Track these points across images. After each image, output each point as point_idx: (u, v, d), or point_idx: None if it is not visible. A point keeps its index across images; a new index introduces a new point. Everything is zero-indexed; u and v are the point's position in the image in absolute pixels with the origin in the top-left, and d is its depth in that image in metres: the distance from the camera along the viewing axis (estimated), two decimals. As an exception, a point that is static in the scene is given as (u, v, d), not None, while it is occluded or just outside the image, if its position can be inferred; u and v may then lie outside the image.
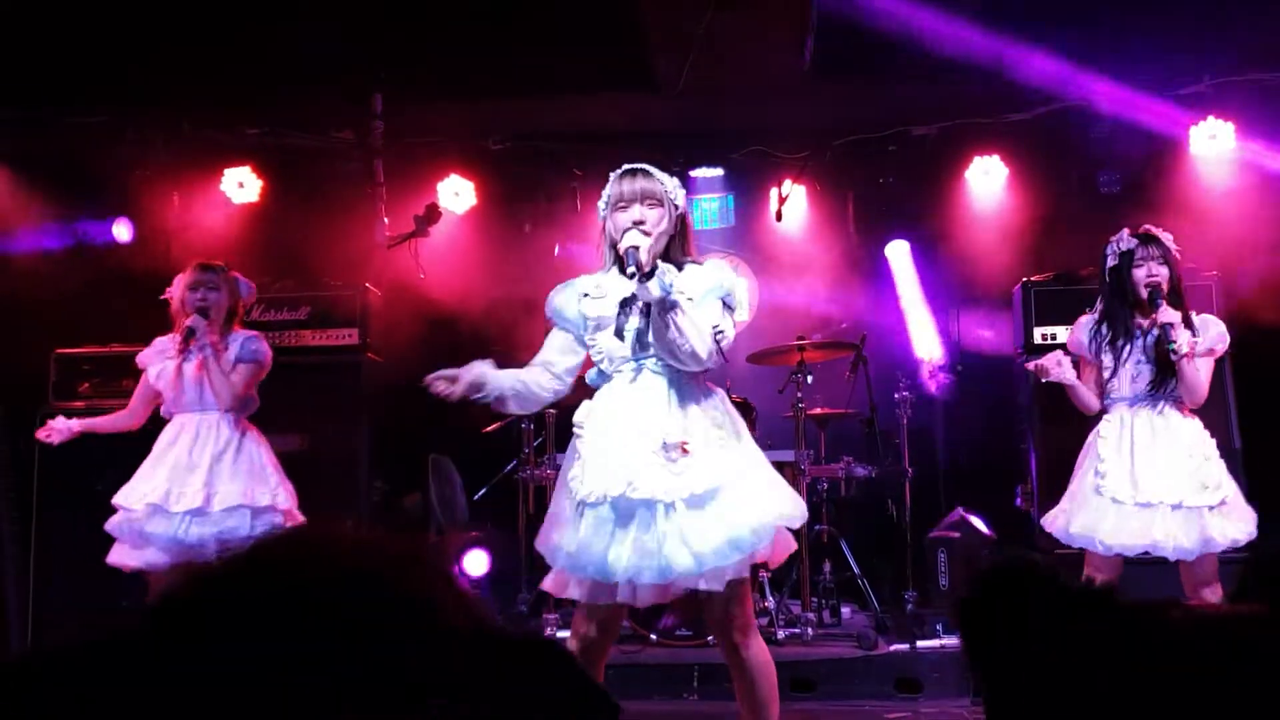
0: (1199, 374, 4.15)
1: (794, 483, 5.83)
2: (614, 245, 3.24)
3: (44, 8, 5.84)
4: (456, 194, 7.21)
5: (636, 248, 3.03)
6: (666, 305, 3.03)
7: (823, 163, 7.23)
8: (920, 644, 5.50)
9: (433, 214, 6.76)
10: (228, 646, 0.82)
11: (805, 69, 6.51)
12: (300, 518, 4.63)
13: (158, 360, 4.61)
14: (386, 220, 7.07)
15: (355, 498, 6.21)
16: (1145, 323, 4.24)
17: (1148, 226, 4.34)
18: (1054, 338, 6.12)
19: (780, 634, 5.56)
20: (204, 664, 0.82)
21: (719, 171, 7.48)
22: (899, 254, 7.31)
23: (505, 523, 6.40)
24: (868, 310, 7.12)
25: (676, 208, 3.27)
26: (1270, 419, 5.57)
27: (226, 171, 7.10)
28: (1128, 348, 4.24)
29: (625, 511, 3.06)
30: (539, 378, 3.35)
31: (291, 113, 6.81)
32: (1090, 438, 4.38)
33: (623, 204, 3.22)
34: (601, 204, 3.32)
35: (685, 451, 3.05)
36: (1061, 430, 5.91)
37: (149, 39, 6.01)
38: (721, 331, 3.14)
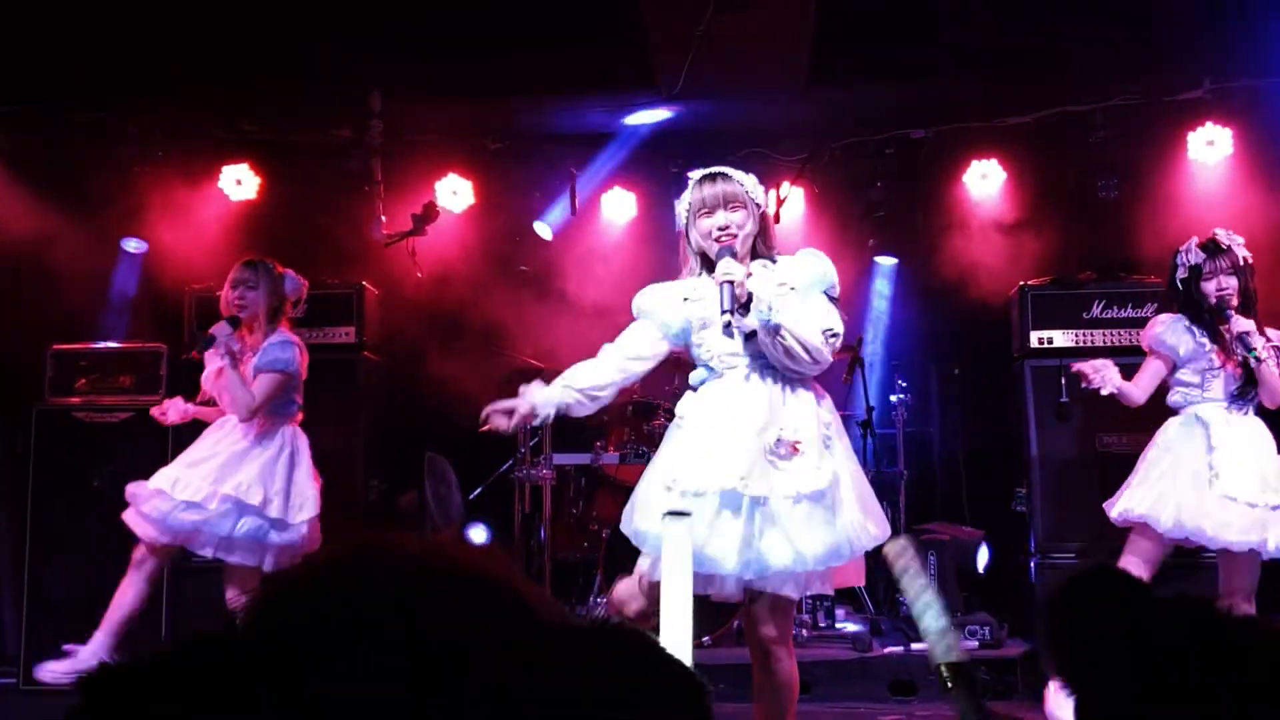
0: (1276, 377, 4.20)
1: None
2: (701, 251, 3.25)
3: (44, 4, 5.84)
4: (454, 193, 7.21)
5: (731, 282, 3.02)
6: (770, 330, 3.04)
7: (821, 165, 7.23)
8: (915, 646, 5.50)
9: (430, 213, 6.75)
10: (324, 659, 0.82)
11: (803, 71, 6.52)
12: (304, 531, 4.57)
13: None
14: (384, 219, 7.06)
15: (352, 496, 6.21)
16: (1224, 331, 4.28)
17: (1216, 234, 4.35)
18: (1051, 341, 6.13)
19: (775, 635, 5.56)
20: (302, 674, 0.82)
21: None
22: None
23: (501, 522, 6.40)
24: (865, 313, 7.12)
25: (759, 206, 3.27)
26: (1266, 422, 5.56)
27: (224, 169, 7.09)
28: (1225, 353, 4.29)
29: (731, 505, 3.04)
30: (602, 374, 3.34)
31: (290, 110, 6.79)
32: (1172, 432, 4.39)
33: (705, 210, 3.22)
34: (682, 209, 3.29)
35: (796, 450, 3.04)
36: (1059, 434, 5.94)
37: (148, 36, 6.01)
38: (834, 332, 3.13)
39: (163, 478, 4.44)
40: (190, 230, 6.93)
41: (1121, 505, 4.39)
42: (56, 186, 6.69)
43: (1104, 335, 5.92)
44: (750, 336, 3.09)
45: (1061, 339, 6.11)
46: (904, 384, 6.36)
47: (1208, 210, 6.33)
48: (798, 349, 3.04)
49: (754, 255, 3.25)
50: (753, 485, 3.01)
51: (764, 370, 3.15)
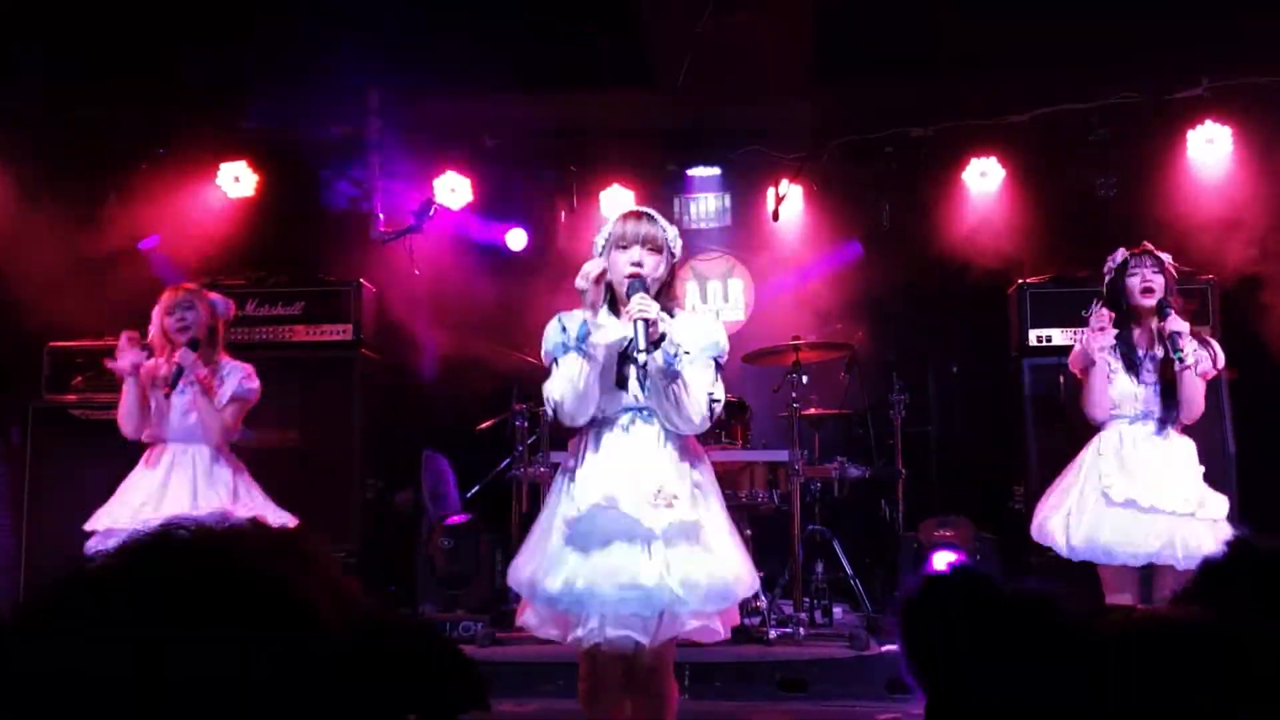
0: (1199, 389, 4.15)
1: (787, 482, 5.85)
2: (610, 284, 3.19)
3: (43, 3, 5.84)
4: (452, 190, 7.19)
5: (648, 321, 2.98)
6: (669, 375, 3.02)
7: (820, 163, 7.22)
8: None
9: (428, 210, 6.74)
10: (97, 636, 0.83)
11: (803, 69, 6.51)
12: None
13: (139, 379, 4.49)
14: (382, 216, 7.06)
15: (348, 493, 6.20)
16: (1148, 335, 4.24)
17: (1145, 243, 4.34)
18: (1049, 339, 6.13)
19: (772, 633, 5.55)
20: (73, 655, 0.82)
21: (716, 170, 7.47)
22: None
23: (498, 521, 6.38)
24: (863, 310, 7.11)
25: (673, 256, 3.25)
26: (1265, 425, 5.57)
27: (223, 166, 7.08)
28: (1137, 360, 4.23)
29: (606, 533, 3.01)
30: None
31: (288, 107, 6.78)
32: (1082, 454, 4.35)
33: (624, 244, 3.17)
34: (600, 239, 3.25)
35: (670, 505, 3.02)
36: (1057, 431, 5.92)
37: (147, 33, 6.00)
38: (716, 400, 3.15)
39: (124, 518, 4.32)
40: (189, 227, 6.93)
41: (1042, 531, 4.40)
42: (55, 183, 6.69)
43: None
44: (643, 368, 3.07)
45: (1060, 337, 6.11)
46: (902, 382, 6.35)
47: (1207, 208, 6.32)
48: (684, 405, 3.04)
49: (659, 304, 3.16)
50: (627, 506, 2.99)
51: (645, 422, 3.13)
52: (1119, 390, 4.24)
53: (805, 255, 7.39)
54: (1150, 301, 4.20)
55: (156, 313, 4.50)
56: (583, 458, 3.16)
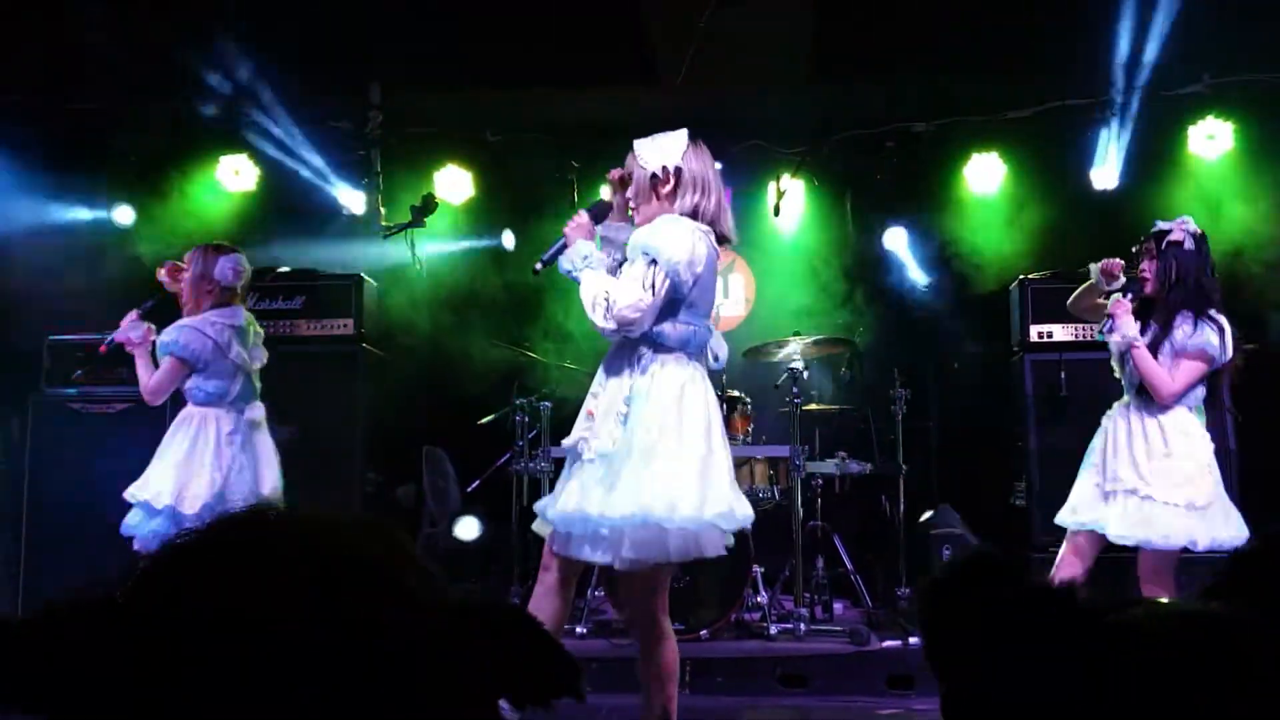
0: (1154, 367, 4.12)
1: (788, 478, 5.84)
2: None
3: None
4: (454, 185, 7.19)
5: (564, 236, 3.36)
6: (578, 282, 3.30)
7: (821, 158, 7.22)
8: (913, 640, 5.49)
9: (430, 205, 6.74)
10: (190, 619, 0.83)
11: (804, 64, 6.51)
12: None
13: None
14: (383, 210, 7.06)
15: (349, 488, 6.20)
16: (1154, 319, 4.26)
17: (1159, 223, 4.32)
18: (1050, 335, 6.13)
19: (773, 629, 5.56)
20: (167, 637, 0.83)
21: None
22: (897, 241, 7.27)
23: (499, 515, 6.39)
24: (864, 306, 7.11)
25: (644, 170, 3.36)
26: (1267, 420, 5.55)
27: (223, 159, 7.07)
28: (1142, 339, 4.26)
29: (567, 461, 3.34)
30: None
31: (289, 101, 6.77)
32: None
33: (626, 181, 3.45)
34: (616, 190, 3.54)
35: (590, 415, 3.24)
36: (1059, 428, 5.93)
37: (145, 26, 5.99)
38: (611, 303, 3.13)
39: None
40: (188, 220, 6.93)
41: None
42: (55, 177, 6.68)
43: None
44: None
45: (1061, 333, 6.11)
46: (903, 377, 6.34)
47: (1209, 204, 6.32)
48: (587, 307, 3.21)
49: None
50: (570, 438, 3.30)
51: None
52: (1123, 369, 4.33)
53: (806, 250, 7.39)
54: (1147, 289, 4.24)
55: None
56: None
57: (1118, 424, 4.26)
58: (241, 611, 0.82)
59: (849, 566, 6.23)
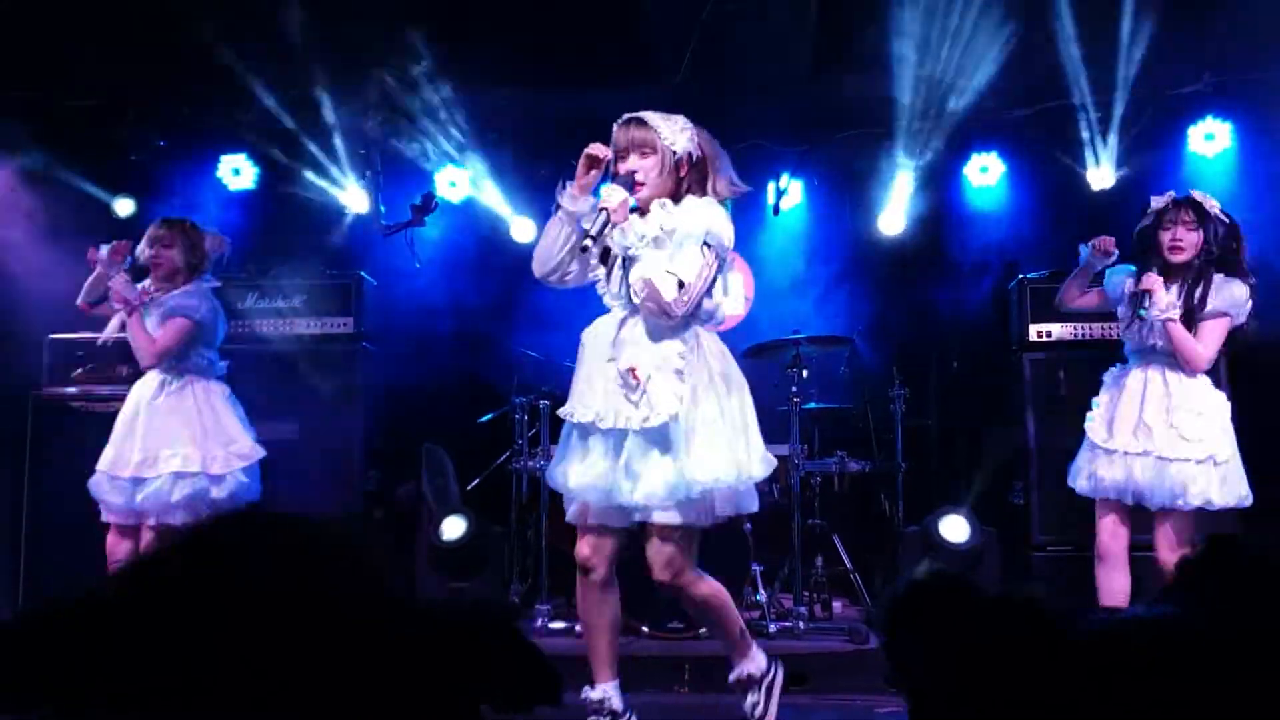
0: (1186, 338, 4.15)
1: (786, 476, 5.84)
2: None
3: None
4: (452, 183, 7.19)
5: (606, 209, 3.20)
6: (630, 261, 3.23)
7: (821, 156, 7.22)
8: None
9: (429, 203, 6.74)
10: (185, 614, 0.84)
11: (805, 62, 6.51)
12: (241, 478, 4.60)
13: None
14: (383, 209, 7.06)
15: (349, 486, 6.20)
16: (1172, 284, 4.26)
17: (1192, 192, 4.32)
18: (1049, 334, 6.13)
19: (772, 628, 5.56)
20: (162, 630, 0.84)
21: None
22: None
23: (498, 513, 6.39)
24: (864, 305, 7.11)
25: (674, 152, 3.32)
26: (1266, 415, 5.56)
27: (223, 158, 7.08)
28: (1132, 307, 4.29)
29: (598, 438, 3.25)
30: None
31: (288, 100, 6.78)
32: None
33: (620, 154, 3.35)
34: (612, 151, 3.41)
35: (636, 378, 3.16)
36: (1058, 426, 5.93)
37: (146, 24, 6.00)
38: (684, 284, 3.20)
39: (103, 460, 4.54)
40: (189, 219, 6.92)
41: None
42: (55, 175, 6.69)
43: (1103, 329, 5.92)
44: (607, 261, 3.30)
45: (1060, 332, 6.12)
46: (902, 376, 6.35)
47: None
48: (649, 288, 3.16)
49: (678, 198, 3.36)
50: (607, 419, 3.20)
51: (633, 311, 3.31)
52: (1127, 332, 4.35)
53: (805, 249, 7.39)
54: (1180, 258, 4.20)
55: (142, 242, 4.61)
56: (580, 354, 3.42)
57: (1136, 384, 4.25)
58: (229, 613, 0.83)
59: (848, 565, 6.23)
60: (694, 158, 3.35)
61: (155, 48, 6.30)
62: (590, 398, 3.26)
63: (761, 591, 5.72)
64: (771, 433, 6.34)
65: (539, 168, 7.23)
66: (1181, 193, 4.35)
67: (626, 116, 3.39)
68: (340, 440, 6.22)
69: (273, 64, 6.39)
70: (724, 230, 3.30)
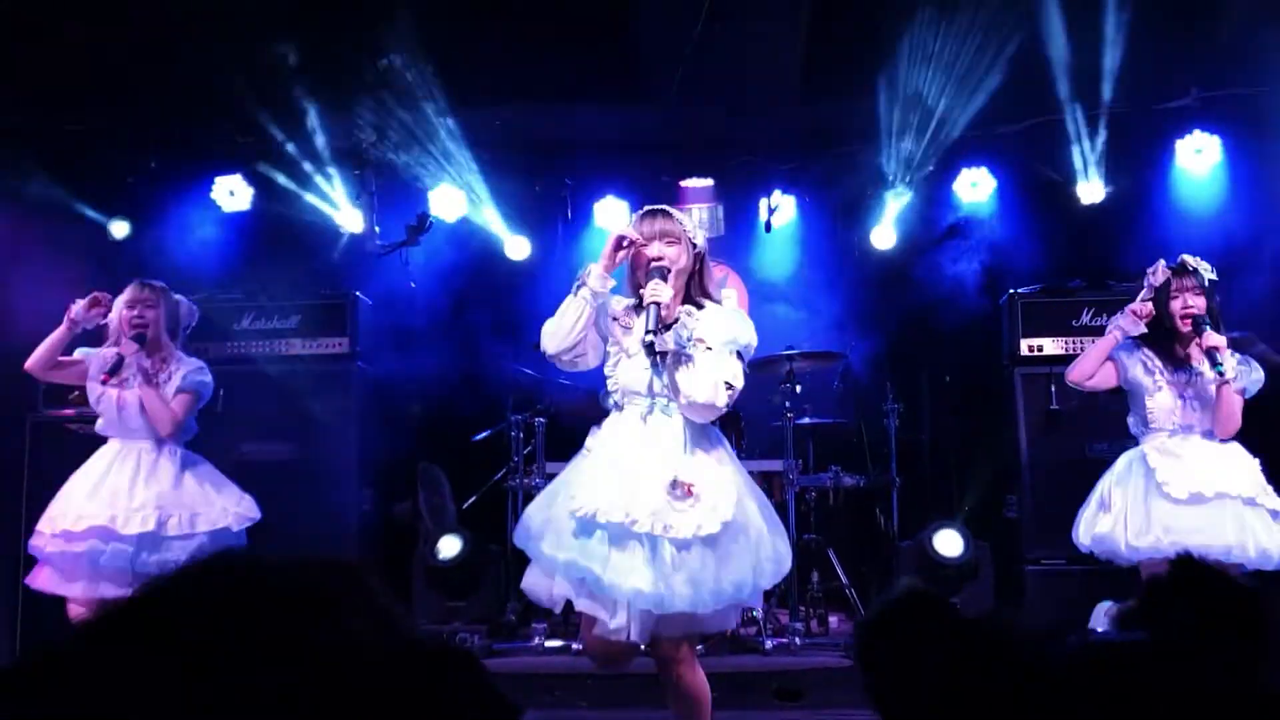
0: (1237, 405, 4.18)
1: (781, 492, 5.86)
2: (636, 285, 3.34)
3: (37, 14, 5.86)
4: (447, 203, 7.22)
5: (658, 303, 3.15)
6: (679, 359, 3.17)
7: (812, 173, 7.27)
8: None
9: (424, 223, 6.77)
10: (151, 661, 0.86)
11: (796, 80, 6.55)
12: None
13: (96, 375, 4.51)
14: (378, 229, 7.09)
15: (345, 506, 6.21)
16: (1190, 353, 4.25)
17: (1184, 257, 4.35)
18: (1041, 349, 6.16)
19: (768, 643, 5.57)
20: (127, 680, 0.85)
21: (709, 181, 7.51)
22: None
23: (495, 532, 6.40)
24: (857, 320, 7.14)
25: (694, 246, 3.37)
26: (1262, 435, 5.59)
27: (217, 179, 7.10)
28: (1178, 376, 4.25)
29: (628, 539, 3.10)
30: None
31: (282, 121, 6.81)
32: (1127, 459, 4.37)
33: (643, 242, 3.31)
34: (625, 246, 3.33)
35: (690, 493, 3.11)
36: (1050, 441, 5.97)
37: (143, 48, 6.03)
38: (731, 386, 3.22)
39: (94, 516, 4.32)
40: (184, 241, 6.96)
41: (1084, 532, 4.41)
42: (51, 197, 6.71)
43: (1094, 342, 5.94)
44: (661, 358, 3.20)
45: (1051, 346, 6.14)
46: (895, 391, 6.38)
47: (1197, 217, 6.37)
48: (696, 385, 3.15)
49: (687, 297, 3.36)
50: (642, 523, 3.07)
51: (663, 412, 3.24)
52: (1159, 404, 4.26)
53: (798, 265, 7.43)
54: (1189, 327, 4.23)
55: (118, 302, 4.53)
56: (602, 441, 3.30)
57: (1193, 448, 4.21)
58: (200, 657, 0.84)
59: (843, 580, 6.25)
60: (700, 255, 3.40)
61: (149, 70, 6.33)
62: (615, 496, 3.12)
63: (758, 607, 5.73)
64: (766, 448, 6.44)
65: (533, 186, 7.27)
66: (1172, 258, 4.37)
67: (650, 208, 3.41)
68: (335, 460, 6.23)
69: (266, 85, 6.42)
70: (753, 340, 3.37)
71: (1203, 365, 4.20)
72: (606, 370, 3.37)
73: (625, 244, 3.29)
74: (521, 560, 6.14)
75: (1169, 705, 0.92)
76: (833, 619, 6.27)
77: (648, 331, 3.11)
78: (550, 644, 5.66)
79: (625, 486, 3.13)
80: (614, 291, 3.38)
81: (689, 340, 3.18)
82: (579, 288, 3.26)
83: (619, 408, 3.33)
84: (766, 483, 6.02)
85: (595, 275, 3.25)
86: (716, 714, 3.41)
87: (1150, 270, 4.35)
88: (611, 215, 7.31)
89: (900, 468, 6.30)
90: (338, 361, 6.39)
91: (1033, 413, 6.09)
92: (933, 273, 7.05)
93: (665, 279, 3.22)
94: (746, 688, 5.12)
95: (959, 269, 6.96)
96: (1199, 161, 6.61)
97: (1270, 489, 4.20)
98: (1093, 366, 4.39)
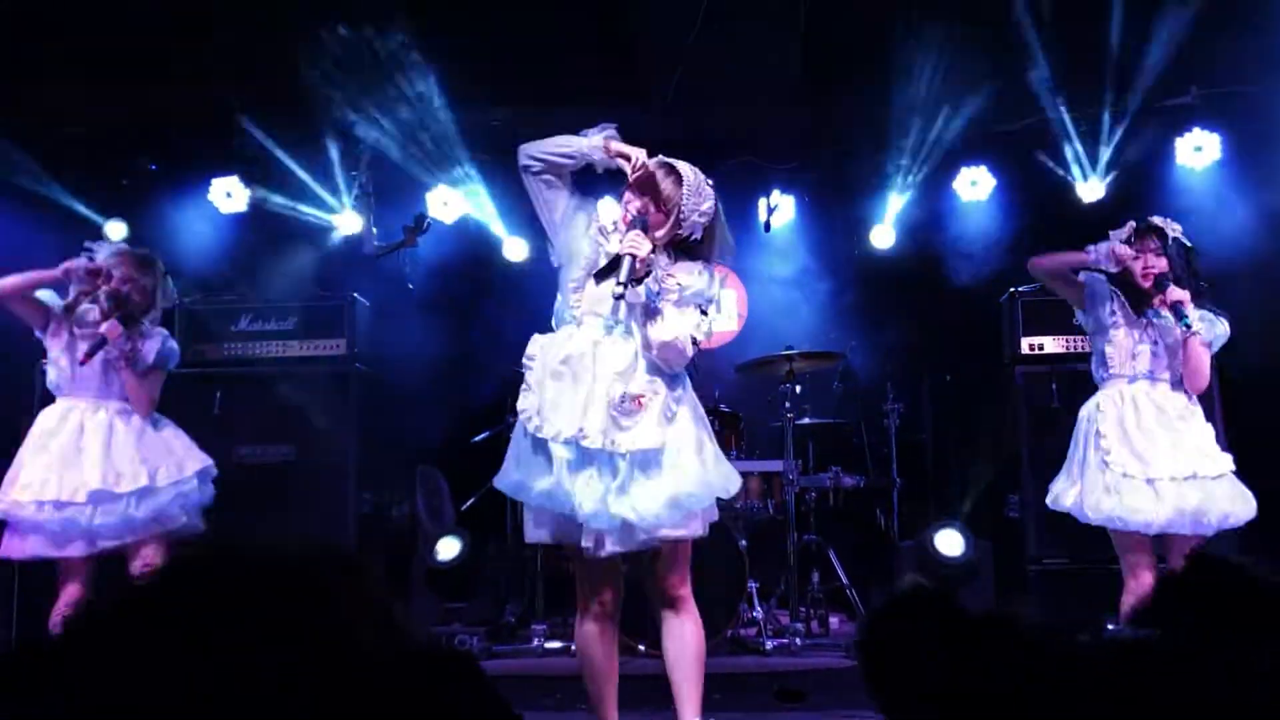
0: (1205, 358, 4.17)
1: (781, 492, 5.85)
2: (624, 216, 3.35)
3: (31, 15, 5.85)
4: (445, 204, 7.21)
5: (634, 255, 3.13)
6: (649, 311, 3.19)
7: (811, 173, 7.25)
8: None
9: (422, 224, 6.75)
10: (146, 653, 0.84)
11: (794, 80, 6.54)
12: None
13: (62, 328, 4.44)
14: (375, 230, 7.07)
15: (343, 508, 6.19)
16: (1155, 303, 4.22)
17: (1152, 219, 4.33)
18: (1041, 347, 6.14)
19: (768, 644, 5.55)
20: (118, 672, 0.84)
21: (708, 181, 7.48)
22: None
23: (493, 533, 6.38)
24: (856, 319, 7.13)
25: (680, 231, 3.33)
26: (1256, 427, 5.57)
27: (214, 181, 7.09)
28: (1139, 320, 4.23)
29: (582, 455, 3.15)
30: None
31: (279, 122, 6.79)
32: (1086, 412, 4.35)
33: (642, 182, 3.33)
34: (629, 170, 3.35)
35: (640, 405, 3.16)
36: (1051, 439, 5.94)
37: (140, 48, 6.02)
38: (696, 340, 3.26)
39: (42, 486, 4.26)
40: (180, 242, 6.94)
41: (1052, 498, 4.45)
42: (48, 198, 6.70)
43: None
44: (630, 308, 3.24)
45: (1052, 345, 6.13)
46: (895, 391, 6.36)
47: (1196, 214, 6.35)
48: (660, 337, 3.18)
49: (688, 252, 3.36)
50: (592, 438, 3.12)
51: (623, 335, 3.27)
52: (1118, 346, 4.24)
53: (797, 265, 7.42)
54: (1149, 284, 4.21)
55: (119, 264, 4.45)
56: (544, 352, 3.30)
57: (1146, 407, 4.17)
58: (200, 640, 0.83)
59: (844, 580, 6.23)
60: (691, 238, 3.35)
61: (147, 72, 6.31)
62: (565, 411, 3.17)
63: (758, 608, 5.71)
64: (766, 449, 6.42)
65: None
66: (1164, 210, 4.38)
67: (667, 161, 3.37)
68: (333, 462, 6.21)
69: (264, 87, 6.40)
70: (718, 293, 3.38)
71: (1168, 320, 4.18)
72: (571, 282, 3.35)
73: (635, 167, 3.31)
74: (520, 563, 6.14)
75: (1179, 706, 0.90)
76: (833, 620, 6.25)
77: (619, 283, 3.11)
78: (550, 645, 5.65)
79: (571, 400, 3.17)
80: (613, 195, 3.42)
81: (659, 295, 3.20)
82: (584, 136, 3.34)
83: (576, 322, 3.30)
84: (767, 483, 6.01)
85: (607, 145, 3.34)
86: (717, 714, 3.40)
87: (1115, 231, 4.33)
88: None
89: (901, 468, 6.29)
90: (335, 363, 6.37)
91: (1034, 412, 6.07)
92: (933, 271, 7.03)
93: (646, 231, 3.22)
94: (747, 689, 5.10)
95: (959, 267, 6.94)
96: (1199, 159, 6.61)
97: (1217, 451, 4.16)
98: (1058, 266, 4.39)
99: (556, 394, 3.20)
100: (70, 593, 4.31)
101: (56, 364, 4.47)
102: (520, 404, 3.30)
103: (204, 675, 0.82)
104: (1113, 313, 4.29)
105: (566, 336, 3.30)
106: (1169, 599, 1.09)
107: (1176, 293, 4.09)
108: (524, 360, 3.36)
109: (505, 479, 3.31)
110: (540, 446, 3.20)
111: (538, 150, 3.42)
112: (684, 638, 3.33)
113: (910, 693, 0.96)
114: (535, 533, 3.32)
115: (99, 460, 4.30)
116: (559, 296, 3.42)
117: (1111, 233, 4.34)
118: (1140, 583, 4.16)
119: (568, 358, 3.23)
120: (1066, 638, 0.96)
